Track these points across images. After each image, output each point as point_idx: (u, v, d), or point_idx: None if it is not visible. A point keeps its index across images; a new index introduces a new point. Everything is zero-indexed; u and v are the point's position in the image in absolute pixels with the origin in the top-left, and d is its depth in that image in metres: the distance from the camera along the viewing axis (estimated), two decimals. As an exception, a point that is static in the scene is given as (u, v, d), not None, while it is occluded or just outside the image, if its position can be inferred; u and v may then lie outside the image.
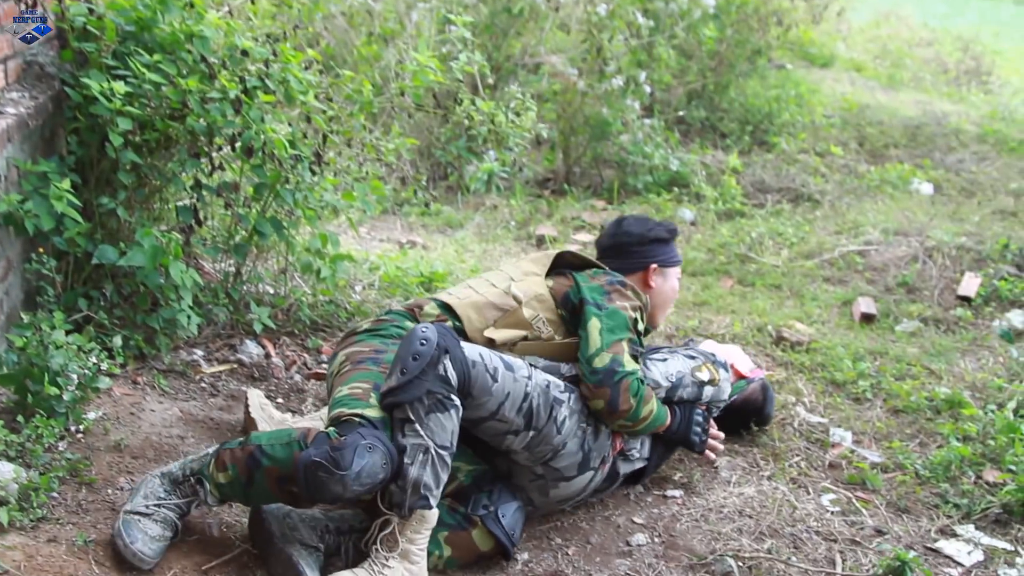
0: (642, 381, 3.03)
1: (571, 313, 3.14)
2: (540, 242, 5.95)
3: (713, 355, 3.45)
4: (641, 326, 3.16)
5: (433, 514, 2.69)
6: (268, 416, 3.28)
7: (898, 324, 4.78)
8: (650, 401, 3.06)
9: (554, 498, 3.04)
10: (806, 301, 5.01)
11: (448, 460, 2.68)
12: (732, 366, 3.59)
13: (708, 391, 3.32)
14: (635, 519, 3.15)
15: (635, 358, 3.06)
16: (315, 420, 3.26)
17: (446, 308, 3.11)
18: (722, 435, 3.39)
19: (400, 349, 2.74)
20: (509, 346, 3.05)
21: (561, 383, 2.97)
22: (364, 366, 2.87)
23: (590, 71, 6.82)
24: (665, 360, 3.32)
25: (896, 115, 8.45)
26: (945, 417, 3.92)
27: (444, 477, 2.67)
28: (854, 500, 3.35)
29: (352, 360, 2.92)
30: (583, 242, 5.94)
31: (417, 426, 2.64)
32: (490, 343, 3.02)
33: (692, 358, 3.36)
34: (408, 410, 2.64)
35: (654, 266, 3.39)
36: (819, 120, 7.97)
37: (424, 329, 2.74)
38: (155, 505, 2.67)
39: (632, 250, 3.41)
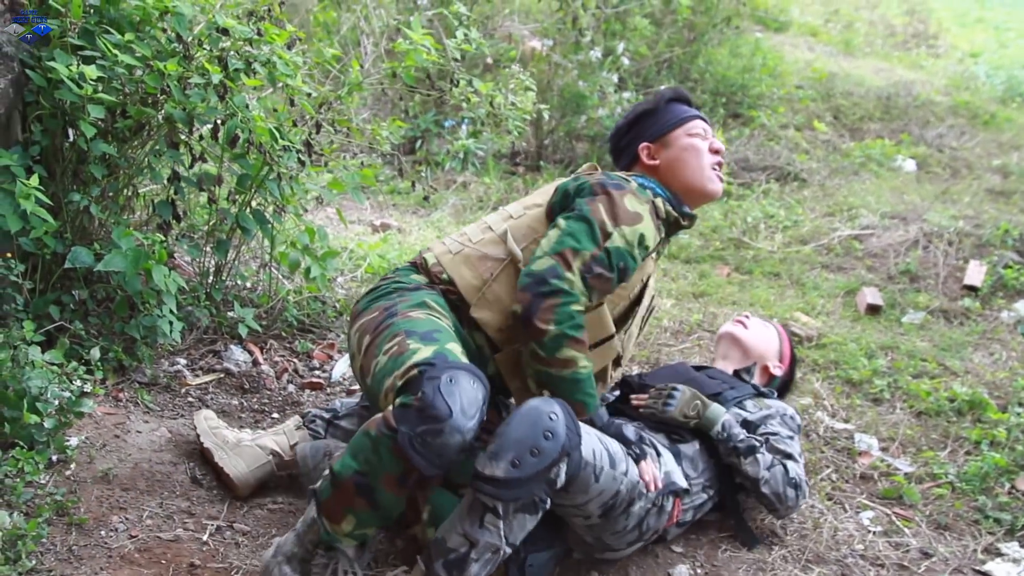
0: (580, 321, 2.52)
1: None
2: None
3: (793, 417, 3.11)
4: (652, 239, 2.68)
5: None
6: (223, 441, 2.89)
7: (904, 315, 4.59)
8: (578, 349, 2.52)
9: (597, 559, 2.78)
10: (807, 290, 4.80)
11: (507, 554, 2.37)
12: (766, 368, 3.32)
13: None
14: (673, 547, 2.91)
15: (597, 291, 2.59)
16: (278, 435, 2.90)
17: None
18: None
19: (517, 426, 2.34)
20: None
21: None
22: (383, 327, 2.53)
23: (564, 42, 6.53)
24: (792, 438, 2.99)
25: (864, 85, 8.24)
26: (968, 419, 3.75)
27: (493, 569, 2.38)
28: (894, 518, 3.16)
29: (368, 331, 2.58)
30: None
31: (500, 523, 2.31)
32: (475, 325, 2.67)
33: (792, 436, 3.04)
34: (499, 504, 2.31)
35: (644, 145, 2.90)
36: (792, 92, 7.76)
37: (553, 417, 2.34)
38: None
39: (621, 147, 2.98)
